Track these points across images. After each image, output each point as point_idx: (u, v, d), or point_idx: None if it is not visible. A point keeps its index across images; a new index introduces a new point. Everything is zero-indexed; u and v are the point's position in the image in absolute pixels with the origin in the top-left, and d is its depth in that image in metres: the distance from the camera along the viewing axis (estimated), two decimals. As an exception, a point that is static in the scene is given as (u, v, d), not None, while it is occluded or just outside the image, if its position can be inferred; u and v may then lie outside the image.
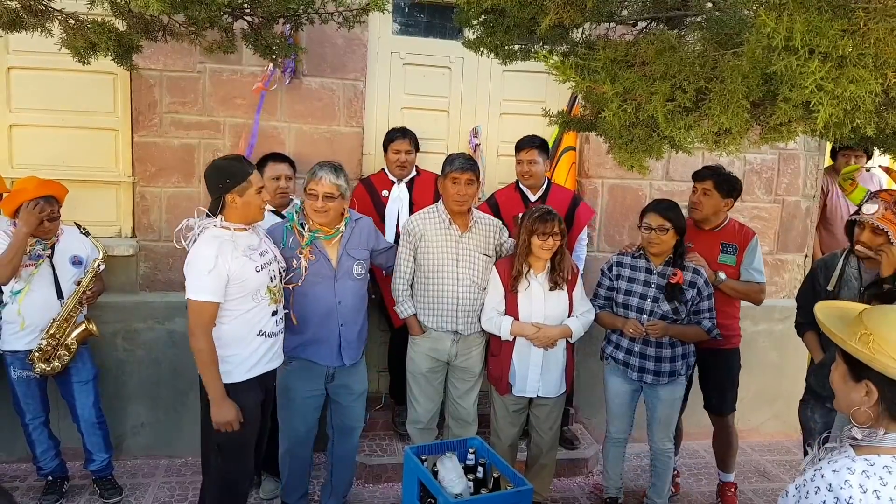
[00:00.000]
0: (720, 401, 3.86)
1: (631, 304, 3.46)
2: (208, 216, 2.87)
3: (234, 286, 2.80)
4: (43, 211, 3.32)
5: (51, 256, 3.45)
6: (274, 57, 3.11)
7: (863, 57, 1.14)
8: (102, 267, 3.58)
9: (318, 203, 3.15)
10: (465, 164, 3.39)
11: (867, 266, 3.12)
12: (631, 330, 3.40)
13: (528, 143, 3.98)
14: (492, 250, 3.57)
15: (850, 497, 1.41)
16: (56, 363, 3.45)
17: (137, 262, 4.16)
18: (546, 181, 4.10)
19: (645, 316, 3.41)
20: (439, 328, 3.52)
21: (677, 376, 3.48)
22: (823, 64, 1.13)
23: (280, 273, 3.09)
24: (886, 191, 3.19)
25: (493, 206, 4.02)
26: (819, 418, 3.28)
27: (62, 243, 3.50)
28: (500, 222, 3.66)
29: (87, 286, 3.50)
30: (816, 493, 1.46)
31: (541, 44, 2.70)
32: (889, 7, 1.10)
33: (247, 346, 2.90)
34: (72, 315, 3.47)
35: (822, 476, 1.47)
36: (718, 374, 3.82)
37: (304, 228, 3.22)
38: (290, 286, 3.18)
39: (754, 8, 1.24)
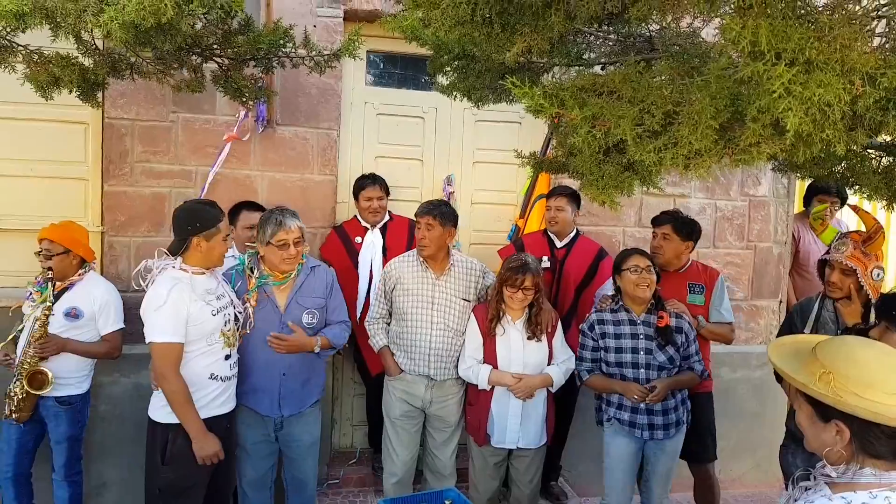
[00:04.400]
0: (700, 448, 3.73)
1: (625, 361, 3.26)
2: (167, 255, 2.85)
3: (189, 328, 2.77)
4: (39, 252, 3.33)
5: (53, 302, 3.33)
6: (245, 100, 3.10)
7: (828, 63, 1.15)
8: (85, 329, 3.46)
9: (292, 250, 3.11)
10: (423, 209, 3.41)
11: (841, 308, 3.13)
12: (636, 397, 3.16)
13: (559, 191, 4.05)
14: (472, 294, 3.53)
15: None
16: (13, 414, 3.32)
17: (104, 313, 4.03)
18: (575, 231, 4.12)
19: (642, 370, 3.23)
20: (413, 371, 3.46)
21: (681, 425, 3.34)
22: (790, 68, 1.14)
23: (237, 316, 3.06)
24: (856, 232, 3.23)
25: (519, 247, 4.02)
26: (801, 462, 3.20)
27: (71, 293, 3.41)
28: (483, 266, 3.63)
29: (31, 337, 3.30)
30: None
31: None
32: (851, 13, 1.12)
33: (199, 389, 2.85)
34: (25, 364, 3.30)
35: None
36: (696, 420, 3.70)
37: (253, 273, 3.18)
38: (241, 333, 3.12)
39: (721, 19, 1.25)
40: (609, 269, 3.99)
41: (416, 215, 3.44)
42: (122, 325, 3.60)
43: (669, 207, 4.63)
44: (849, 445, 1.45)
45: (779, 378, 3.34)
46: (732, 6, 1.28)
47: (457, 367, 3.48)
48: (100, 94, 2.89)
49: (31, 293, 3.42)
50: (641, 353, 3.25)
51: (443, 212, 3.43)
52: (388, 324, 3.59)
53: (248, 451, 3.25)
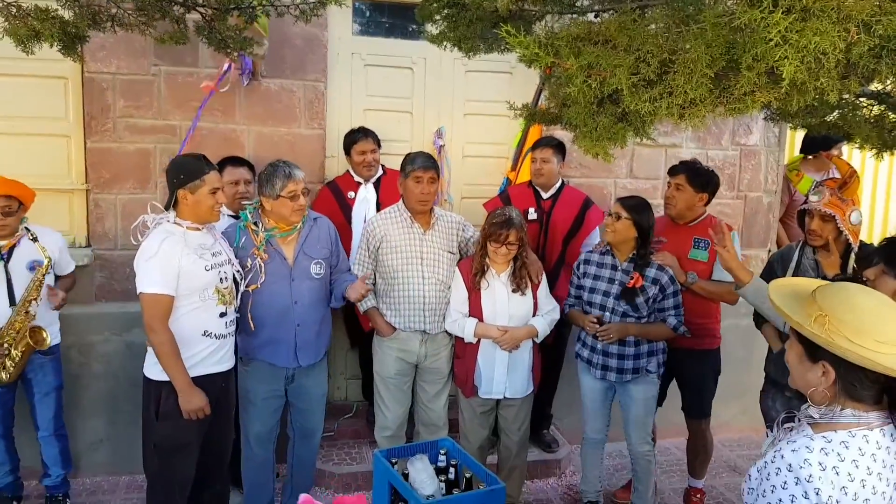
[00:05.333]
0: (692, 403, 3.80)
1: (594, 301, 3.41)
2: (162, 211, 2.85)
3: (180, 282, 2.77)
4: None
5: (7, 261, 3.30)
6: (229, 52, 3.03)
7: (825, 10, 1.13)
8: (49, 275, 3.44)
9: (301, 201, 3.13)
10: (426, 163, 3.35)
11: (821, 260, 3.16)
12: (588, 325, 3.37)
13: (544, 143, 4.03)
14: (455, 247, 3.53)
15: (810, 476, 1.41)
16: (3, 374, 3.29)
17: (93, 271, 4.01)
18: (560, 181, 4.11)
19: (607, 313, 3.36)
20: (407, 328, 3.46)
21: (645, 374, 3.42)
22: (787, 16, 1.12)
23: (235, 276, 3.05)
24: (831, 179, 3.25)
25: (505, 200, 4.02)
26: (780, 407, 3.26)
27: (22, 247, 3.35)
28: (461, 218, 3.63)
29: (30, 296, 3.32)
30: (777, 473, 1.46)
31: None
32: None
33: (191, 346, 2.86)
34: (16, 324, 3.29)
35: (782, 457, 1.47)
36: (691, 375, 3.75)
37: (258, 227, 3.16)
38: (251, 288, 3.12)
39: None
40: (595, 218, 4.02)
41: (414, 168, 3.33)
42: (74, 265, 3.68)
43: (661, 158, 4.64)
44: (832, 386, 1.51)
45: (758, 324, 3.42)
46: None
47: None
48: (86, 49, 2.81)
49: None
50: (611, 297, 3.36)
51: (437, 165, 3.43)
52: (374, 283, 3.56)
53: (257, 406, 3.28)
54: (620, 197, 3.44)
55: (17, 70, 3.76)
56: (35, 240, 3.32)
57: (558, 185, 4.09)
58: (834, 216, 3.02)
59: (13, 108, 3.87)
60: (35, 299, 3.32)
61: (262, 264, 3.13)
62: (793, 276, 3.21)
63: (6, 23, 2.40)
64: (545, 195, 4.06)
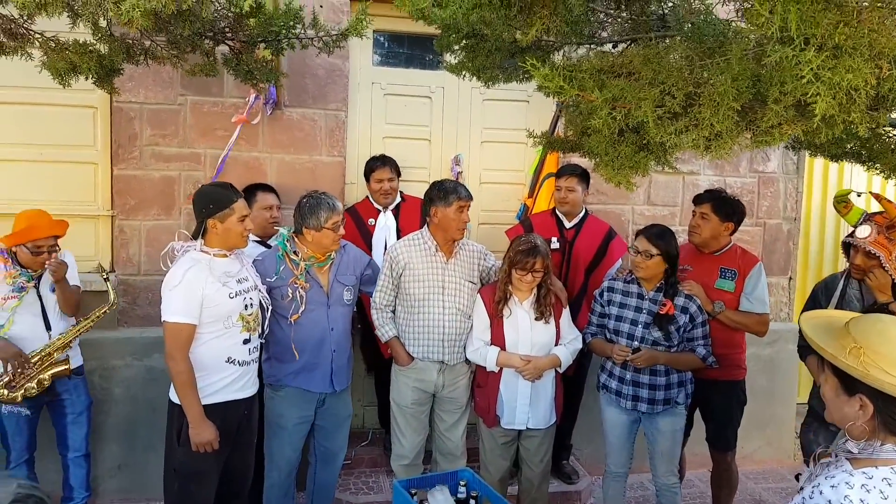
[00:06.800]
0: (717, 435, 3.72)
1: (622, 329, 3.33)
2: (189, 238, 2.89)
3: (204, 310, 2.80)
4: (42, 249, 3.30)
5: (37, 286, 3.36)
6: (255, 82, 3.09)
7: (857, 47, 1.14)
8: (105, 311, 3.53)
9: (342, 231, 3.23)
10: (469, 193, 3.40)
11: (876, 276, 3.07)
12: (617, 355, 3.27)
13: (569, 171, 4.00)
14: (476, 277, 3.52)
15: None
16: (17, 394, 3.29)
17: (116, 296, 4.05)
18: (584, 211, 4.09)
19: (635, 343, 3.28)
20: (425, 358, 3.44)
21: (674, 405, 3.33)
22: (819, 54, 1.13)
23: (262, 302, 3.06)
24: (881, 213, 3.16)
25: (527, 227, 4.00)
26: (823, 441, 3.16)
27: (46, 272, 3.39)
28: (483, 248, 3.63)
29: (83, 329, 3.43)
30: None
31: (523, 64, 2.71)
32: (879, -4, 1.11)
33: (214, 372, 2.88)
34: (56, 351, 3.35)
35: (821, 493, 1.42)
36: (717, 407, 3.67)
37: (297, 257, 3.21)
38: (293, 318, 3.17)
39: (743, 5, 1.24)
40: (618, 249, 4.00)
41: (460, 198, 3.32)
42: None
43: (679, 185, 4.63)
44: (871, 420, 1.47)
45: (802, 356, 3.34)
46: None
47: (465, 348, 3.47)
48: (115, 80, 2.89)
49: (22, 285, 3.34)
50: (639, 326, 3.29)
51: None
52: (393, 311, 3.55)
53: (288, 430, 3.31)
54: (643, 229, 3.35)
55: (48, 100, 3.86)
56: (107, 279, 3.48)
57: (582, 213, 4.08)
58: (878, 256, 2.92)
59: (43, 137, 3.97)
60: (83, 331, 3.43)
61: (304, 293, 3.17)
62: (836, 305, 3.13)
63: (45, 56, 2.47)
64: (568, 224, 4.04)
